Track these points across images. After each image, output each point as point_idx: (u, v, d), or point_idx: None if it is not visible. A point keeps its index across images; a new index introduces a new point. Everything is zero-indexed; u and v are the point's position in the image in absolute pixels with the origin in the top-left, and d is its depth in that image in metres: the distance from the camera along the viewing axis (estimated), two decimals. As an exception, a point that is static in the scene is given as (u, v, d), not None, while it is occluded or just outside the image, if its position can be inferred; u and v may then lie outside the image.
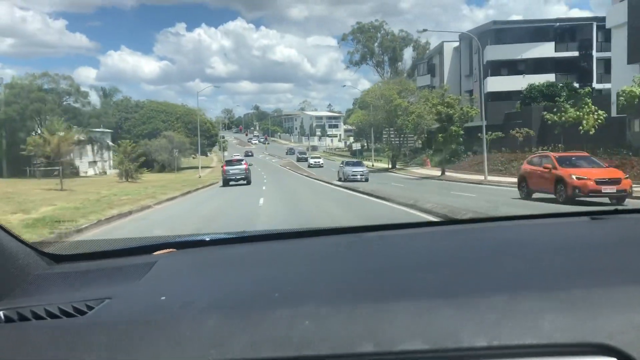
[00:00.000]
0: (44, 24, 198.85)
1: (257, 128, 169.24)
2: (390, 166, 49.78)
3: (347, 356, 0.86)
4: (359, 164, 36.31)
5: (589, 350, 0.84)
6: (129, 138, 60.05)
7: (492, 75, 47.62)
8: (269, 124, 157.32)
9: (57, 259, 1.50)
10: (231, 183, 29.45)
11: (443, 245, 1.59)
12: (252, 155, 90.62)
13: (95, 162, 51.30)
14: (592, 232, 1.66)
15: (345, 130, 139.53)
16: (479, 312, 0.92)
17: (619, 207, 2.12)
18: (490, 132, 41.07)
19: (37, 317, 1.06)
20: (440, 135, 34.94)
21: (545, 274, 1.14)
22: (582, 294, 0.96)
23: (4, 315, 1.08)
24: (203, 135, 66.83)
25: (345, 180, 30.24)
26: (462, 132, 35.64)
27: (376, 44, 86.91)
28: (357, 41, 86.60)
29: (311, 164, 58.58)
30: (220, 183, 30.96)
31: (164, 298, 1.11)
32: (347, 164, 35.74)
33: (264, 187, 26.63)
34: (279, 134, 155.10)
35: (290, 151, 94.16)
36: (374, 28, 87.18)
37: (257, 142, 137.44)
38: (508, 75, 48.08)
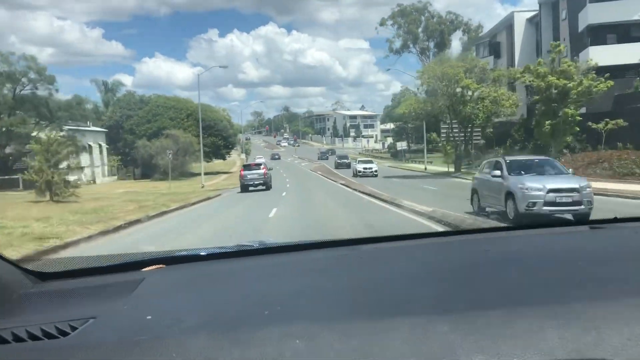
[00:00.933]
0: (82, 33, 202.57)
1: (287, 130, 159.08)
2: (451, 169, 37.85)
3: None
4: (547, 165, 12.13)
5: None
6: (131, 139, 50.40)
7: (593, 44, 35.06)
8: (300, 125, 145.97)
9: (43, 276, 1.44)
10: (250, 189, 26.88)
11: (439, 258, 1.56)
12: (279, 158, 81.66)
13: (81, 168, 41.09)
14: (592, 242, 1.65)
15: (382, 131, 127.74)
16: (477, 328, 0.89)
17: (618, 216, 1.93)
18: (605, 120, 29.00)
19: (18, 339, 1.02)
20: (546, 122, 22.83)
21: (544, 287, 1.11)
22: (583, 307, 0.94)
23: None
24: (218, 135, 56.39)
25: (525, 211, 10.28)
26: (579, 117, 23.42)
27: (420, 29, 75.02)
28: (397, 26, 74.89)
29: (359, 171, 39.41)
30: (238, 189, 28.23)
31: (149, 317, 1.08)
32: (515, 167, 11.64)
33: (272, 212, 15.20)
34: (310, 135, 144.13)
35: (323, 155, 79.06)
36: (416, 11, 75.34)
37: (286, 144, 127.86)
38: (618, 43, 35.31)
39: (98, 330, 1.05)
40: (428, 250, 1.70)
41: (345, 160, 55.95)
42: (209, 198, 23.45)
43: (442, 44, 74.04)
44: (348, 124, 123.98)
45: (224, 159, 61.92)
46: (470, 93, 35.01)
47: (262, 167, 28.32)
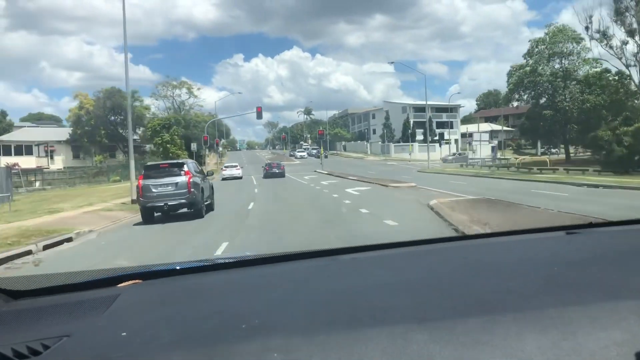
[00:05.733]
0: (110, 58, 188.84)
1: (308, 139, 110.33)
2: None
3: None
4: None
5: None
6: None
7: None
8: (327, 128, 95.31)
9: (15, 295, 1.39)
10: (158, 214, 15.10)
11: (417, 266, 1.57)
12: (280, 174, 35.10)
13: None
14: (568, 247, 1.66)
15: (463, 135, 77.68)
16: (455, 335, 0.89)
17: (594, 221, 2.01)
18: None
19: None
20: None
21: (522, 293, 1.11)
22: (560, 312, 0.95)
23: None
24: None
25: None
26: None
27: None
28: None
29: None
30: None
31: (124, 334, 1.04)
32: None
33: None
34: (343, 143, 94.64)
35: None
36: None
37: (305, 154, 78.96)
38: None
39: (72, 349, 1.01)
40: (406, 259, 1.69)
41: None
42: None
43: None
44: (412, 120, 74.10)
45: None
46: None
47: (183, 170, 15.03)
